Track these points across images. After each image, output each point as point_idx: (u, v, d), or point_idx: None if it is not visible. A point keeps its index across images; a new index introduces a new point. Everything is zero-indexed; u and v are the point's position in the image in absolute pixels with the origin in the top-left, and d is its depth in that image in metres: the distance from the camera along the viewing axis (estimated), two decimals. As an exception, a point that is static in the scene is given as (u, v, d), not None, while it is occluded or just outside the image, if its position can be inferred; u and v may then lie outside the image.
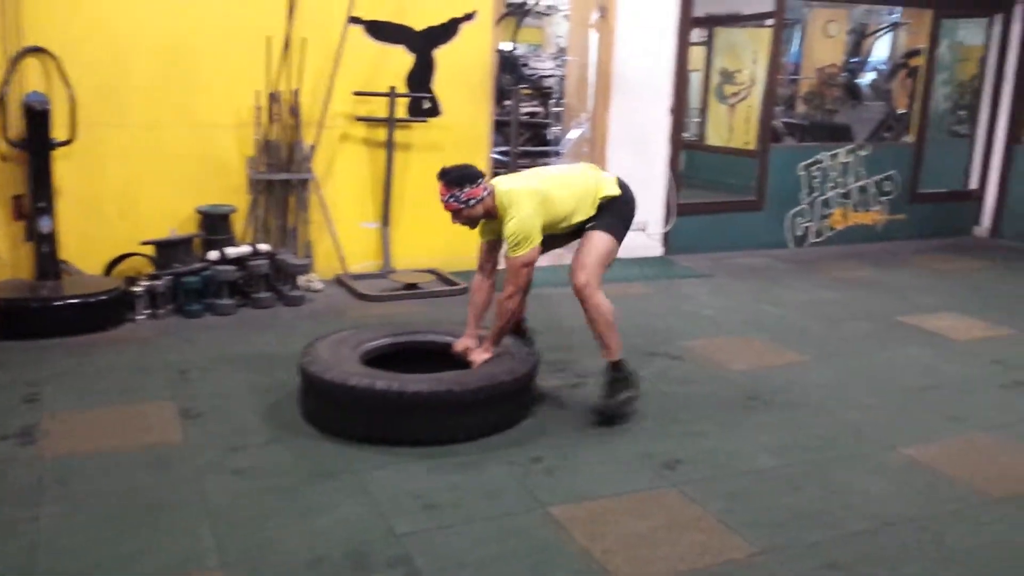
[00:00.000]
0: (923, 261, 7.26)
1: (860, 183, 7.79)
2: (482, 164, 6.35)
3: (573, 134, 7.10)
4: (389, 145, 6.01)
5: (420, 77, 6.05)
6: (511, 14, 11.56)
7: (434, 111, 6.14)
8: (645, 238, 7.00)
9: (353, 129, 6.01)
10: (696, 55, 10.61)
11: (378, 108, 5.98)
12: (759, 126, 7.66)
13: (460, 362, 3.86)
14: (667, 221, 7.04)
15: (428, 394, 3.44)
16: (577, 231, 3.91)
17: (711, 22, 10.40)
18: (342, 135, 5.99)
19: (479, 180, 3.70)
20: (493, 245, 3.95)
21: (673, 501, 3.17)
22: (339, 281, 6.00)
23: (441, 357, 3.95)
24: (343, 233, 6.05)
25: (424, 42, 6.02)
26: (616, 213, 3.90)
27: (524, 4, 11.02)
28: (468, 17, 6.05)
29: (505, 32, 12.08)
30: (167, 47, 5.42)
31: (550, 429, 3.75)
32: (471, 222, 3.79)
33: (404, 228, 6.23)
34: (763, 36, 8.52)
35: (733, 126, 10.20)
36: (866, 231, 7.88)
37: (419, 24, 5.98)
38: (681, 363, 4.66)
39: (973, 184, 8.34)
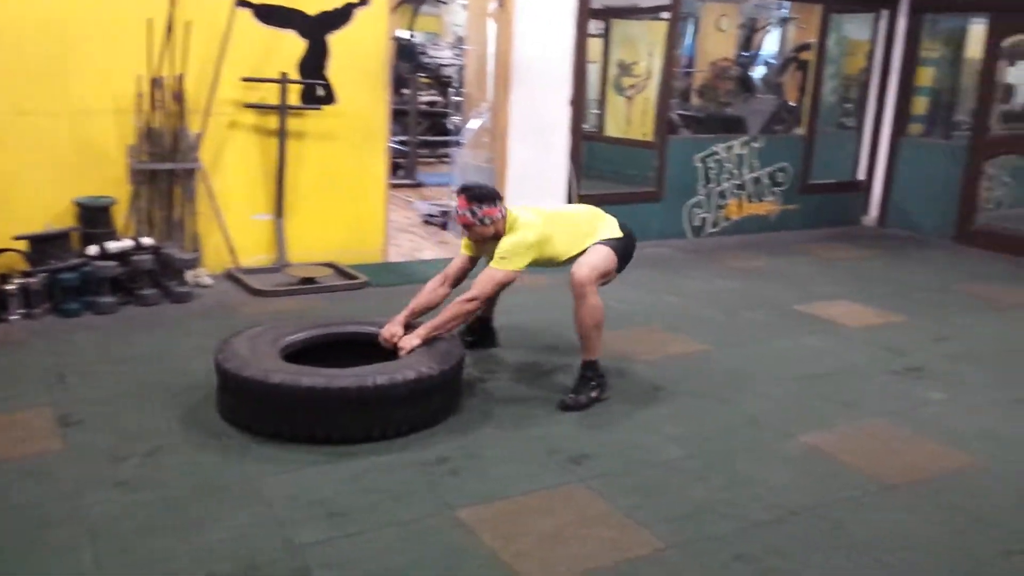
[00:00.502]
0: (815, 250, 7.45)
1: (754, 174, 7.95)
2: (380, 154, 6.19)
3: (473, 124, 7.00)
4: (281, 134, 5.77)
5: (313, 63, 5.83)
6: (408, 1, 11.39)
7: (328, 99, 5.93)
8: (547, 229, 6.96)
9: (243, 117, 5.74)
10: (594, 47, 10.67)
11: (269, 95, 5.74)
12: (656, 118, 7.71)
13: (382, 353, 3.78)
14: (568, 212, 7.01)
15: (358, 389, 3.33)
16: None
17: (608, 14, 10.46)
18: (231, 123, 5.72)
19: (497, 201, 3.88)
20: (471, 261, 4.09)
21: (581, 497, 3.12)
22: (230, 276, 5.74)
23: (363, 348, 3.85)
24: (234, 226, 5.78)
25: (317, 27, 5.80)
26: (616, 244, 4.07)
27: (420, -9, 10.86)
28: (363, 2, 5.86)
29: (402, 20, 11.89)
30: (39, 26, 5.05)
31: (455, 427, 3.65)
32: (480, 238, 3.94)
33: (299, 220, 6.01)
34: (659, 29, 8.60)
35: (631, 118, 10.29)
36: (761, 221, 8.05)
37: (312, 9, 5.76)
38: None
39: (861, 175, 8.62)
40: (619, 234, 4.11)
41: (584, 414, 3.84)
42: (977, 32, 8.55)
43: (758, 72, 11.87)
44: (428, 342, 3.75)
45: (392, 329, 3.84)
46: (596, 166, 9.59)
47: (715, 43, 12.97)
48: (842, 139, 9.00)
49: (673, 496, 3.16)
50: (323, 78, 5.88)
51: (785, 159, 8.09)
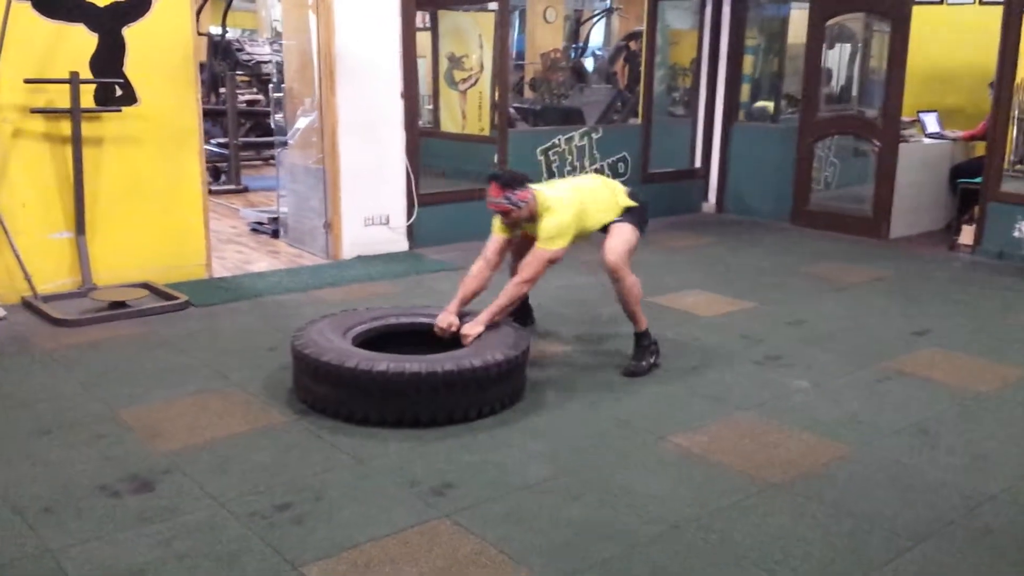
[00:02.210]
0: (660, 240, 7.38)
1: (596, 165, 7.82)
2: (194, 158, 5.57)
3: (302, 123, 6.48)
4: (76, 140, 5.07)
5: (108, 60, 5.16)
6: (220, -5, 10.62)
7: (129, 99, 5.27)
8: (389, 232, 6.56)
9: (29, 123, 5.02)
10: (423, 40, 10.31)
11: (59, 98, 5.04)
12: (495, 111, 7.43)
13: (437, 342, 3.86)
14: (410, 213, 6.62)
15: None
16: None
17: (434, 4, 10.11)
18: (15, 131, 4.99)
19: (527, 184, 3.97)
20: (506, 243, 4.15)
21: (448, 534, 2.75)
22: (26, 304, 5.01)
23: (415, 337, 3.97)
24: (28, 247, 5.05)
25: (109, 19, 5.13)
26: (636, 215, 4.21)
27: (233, -16, 10.13)
28: (163, -10, 5.25)
29: (214, 15, 11.09)
30: None
31: (292, 465, 3.19)
32: (516, 222, 4.03)
33: (105, 237, 5.33)
34: (487, 21, 8.35)
35: (466, 112, 10.00)
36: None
37: (102, -1, 5.10)
38: (438, 368, 4.25)
39: (698, 162, 8.67)
40: (633, 203, 4.23)
41: (442, 435, 3.48)
42: (796, 18, 8.80)
43: (590, 63, 11.87)
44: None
45: (448, 319, 3.93)
46: (434, 163, 9.22)
47: (543, 35, 12.90)
48: (676, 127, 9.05)
49: (548, 521, 2.85)
50: (121, 76, 5.21)
51: (625, 149, 8.01)
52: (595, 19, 13.39)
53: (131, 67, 5.26)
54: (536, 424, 3.62)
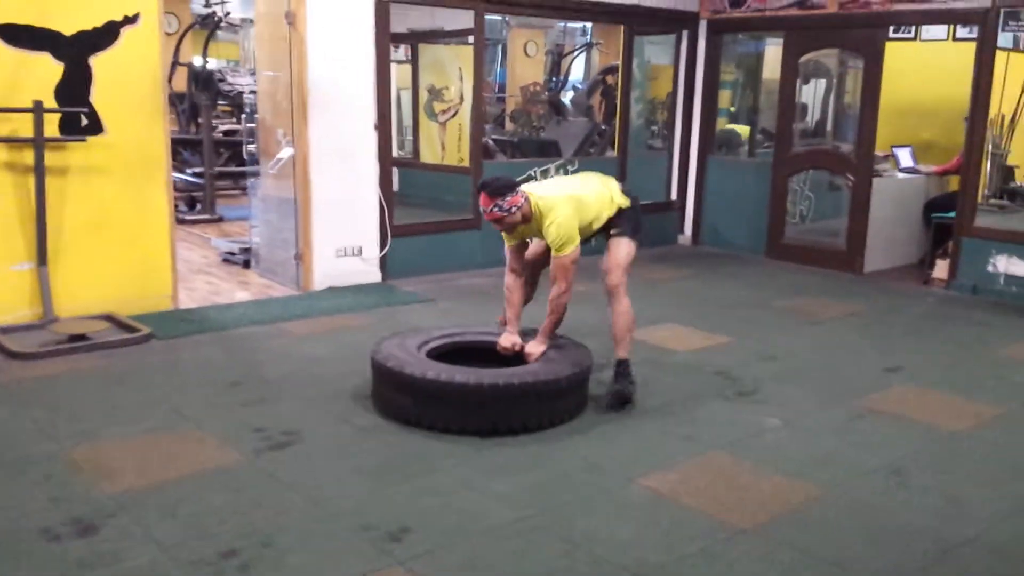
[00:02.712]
0: (635, 272, 7.18)
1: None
2: (161, 188, 5.48)
3: (285, 153, 6.33)
4: (39, 170, 4.97)
5: (73, 89, 5.07)
6: (201, 26, 10.58)
7: (95, 128, 5.18)
8: (361, 263, 6.46)
9: (-9, 152, 4.92)
10: (404, 72, 10.32)
11: (22, 126, 4.93)
12: (471, 143, 7.38)
13: (502, 358, 4.07)
14: (383, 244, 6.54)
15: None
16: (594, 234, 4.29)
17: (414, 38, 10.13)
18: (-24, 160, 4.89)
19: (516, 189, 3.99)
20: (520, 248, 4.25)
21: (402, 584, 2.65)
22: (-17, 338, 4.87)
23: (482, 355, 4.15)
24: (-15, 279, 4.93)
25: (76, 49, 5.04)
26: (632, 220, 4.28)
27: (213, 15, 10.09)
28: (130, 20, 5.16)
29: (196, 46, 11.04)
30: None
31: (243, 508, 3.07)
32: (511, 228, 4.07)
33: (68, 267, 5.21)
34: (467, 54, 8.33)
35: (445, 143, 9.97)
36: (581, 245, 7.86)
37: (68, 28, 5.00)
38: (404, 405, 4.15)
39: (673, 195, 8.65)
40: (627, 202, 4.27)
41: (404, 473, 3.37)
42: (771, 54, 8.85)
43: (568, 96, 11.89)
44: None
45: (512, 339, 4.13)
46: (413, 193, 9.20)
47: (524, 68, 12.95)
48: (653, 160, 9.04)
49: (506, 571, 2.75)
50: (87, 105, 5.12)
51: (601, 181, 7.96)
52: (576, 54, 13.47)
53: (98, 96, 5.17)
54: (501, 464, 3.51)
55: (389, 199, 6.52)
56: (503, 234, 4.18)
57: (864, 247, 7.37)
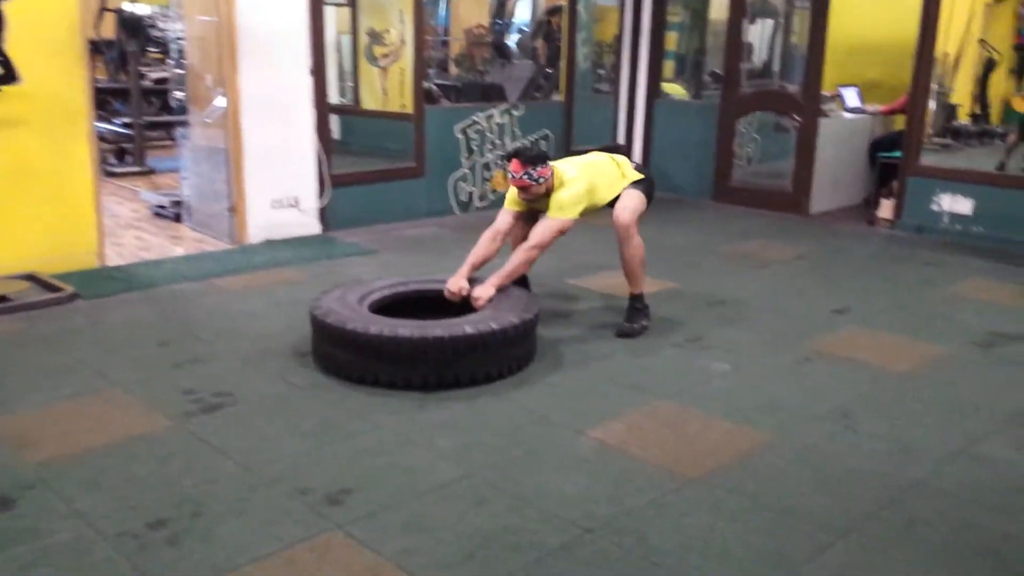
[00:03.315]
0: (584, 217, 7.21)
1: (517, 143, 7.60)
2: (83, 139, 5.18)
3: (220, 102, 6.03)
4: (-55, 121, 4.66)
5: (-19, 34, 4.74)
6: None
7: (9, 77, 4.84)
8: (299, 215, 6.24)
9: None
10: (343, 16, 9.94)
11: (-75, 74, 4.60)
12: (413, 88, 7.14)
13: (447, 308, 3.96)
14: (322, 194, 6.31)
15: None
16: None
17: (353, -22, 9.75)
18: None
19: (547, 161, 4.09)
20: (518, 215, 4.27)
21: (340, 549, 2.53)
22: None
23: (427, 304, 4.07)
24: None
25: (-19, -12, 4.70)
26: (643, 186, 4.40)
27: (140, -44, 9.57)
28: (41, -43, 4.83)
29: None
30: None
31: (172, 476, 2.92)
32: (533, 198, 4.14)
33: (-17, 226, 4.93)
34: (407, -6, 8.02)
35: (387, 89, 9.67)
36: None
37: (-29, -34, 4.66)
38: (345, 361, 4.00)
39: (621, 140, 8.51)
40: (640, 176, 4.40)
41: (345, 433, 3.25)
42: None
43: (512, 39, 11.61)
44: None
45: (459, 283, 4.04)
46: (356, 141, 8.92)
47: (468, 10, 12.58)
48: (600, 104, 8.87)
49: (452, 530, 2.64)
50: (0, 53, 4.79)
51: (547, 126, 7.81)
52: (520, -6, 13.12)
53: (12, 43, 4.83)
54: (447, 420, 3.40)
55: (327, 147, 6.29)
56: (508, 196, 4.28)
57: (810, 188, 7.34)
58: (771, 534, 2.67)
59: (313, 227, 6.32)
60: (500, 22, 12.43)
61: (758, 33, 9.59)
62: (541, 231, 4.10)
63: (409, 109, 7.21)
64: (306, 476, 2.95)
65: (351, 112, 9.60)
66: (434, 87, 9.56)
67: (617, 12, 8.56)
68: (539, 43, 10.63)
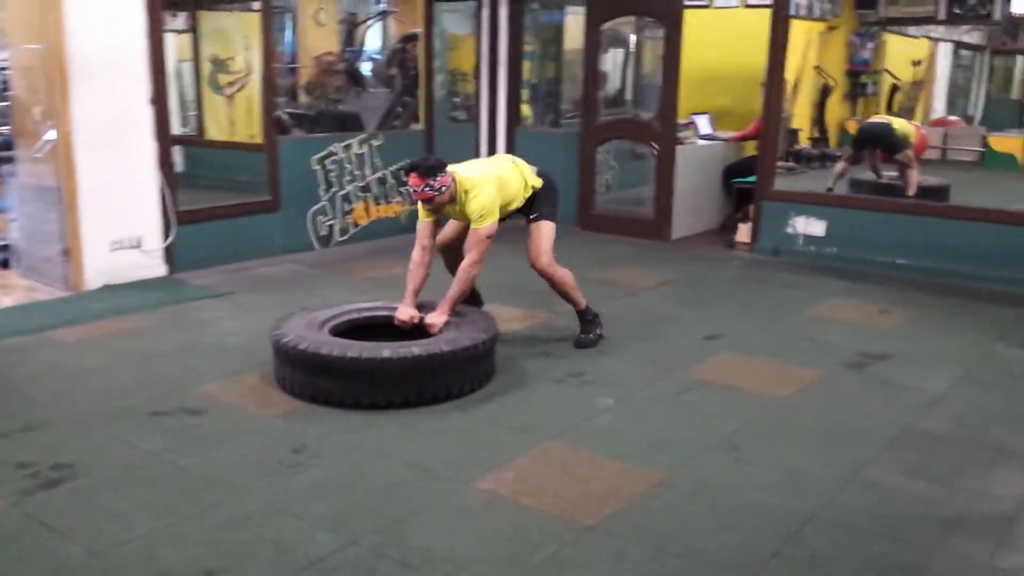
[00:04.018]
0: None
1: (378, 174, 7.35)
2: None
3: (51, 135, 5.46)
4: None
5: None
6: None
7: None
8: (141, 256, 5.75)
9: None
10: (184, 42, 9.42)
11: None
12: (263, 117, 6.77)
13: (401, 331, 4.05)
14: (167, 232, 5.85)
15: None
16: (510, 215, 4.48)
17: (193, 4, 9.26)
18: None
19: (445, 169, 4.11)
20: (434, 224, 4.30)
21: (208, 644, 2.21)
22: None
23: (379, 329, 4.10)
24: None
25: None
26: (547, 200, 4.50)
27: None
28: None
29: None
30: None
31: (5, 568, 2.51)
32: (439, 208, 4.20)
33: None
34: (253, 21, 7.66)
35: (234, 118, 9.21)
36: (391, 224, 7.48)
37: None
38: (203, 418, 3.64)
39: (482, 168, 8.40)
40: (540, 182, 4.47)
41: (203, 504, 2.91)
42: (571, 23, 8.77)
43: (366, 67, 11.36)
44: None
45: (409, 312, 4.13)
46: (201, 174, 8.39)
47: (316, 37, 12.20)
48: (460, 132, 8.75)
49: (336, 609, 2.38)
50: None
51: (408, 156, 7.51)
52: (370, 22, 12.90)
53: None
54: (321, 481, 3.11)
55: (171, 182, 5.84)
56: (420, 209, 4.28)
57: (671, 215, 7.44)
58: (677, 582, 2.54)
59: (158, 269, 5.84)
60: (351, 49, 12.17)
61: (610, 62, 9.76)
62: (473, 245, 4.19)
63: (259, 139, 6.84)
64: (163, 558, 2.61)
65: (195, 143, 9.08)
66: (285, 116, 9.19)
67: (470, 40, 8.49)
68: (394, 71, 10.44)
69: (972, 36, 15.84)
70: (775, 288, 5.97)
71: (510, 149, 8.31)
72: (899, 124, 7.96)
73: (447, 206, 4.22)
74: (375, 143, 7.31)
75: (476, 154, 8.39)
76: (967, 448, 3.45)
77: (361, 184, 7.22)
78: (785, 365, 4.40)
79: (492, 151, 8.36)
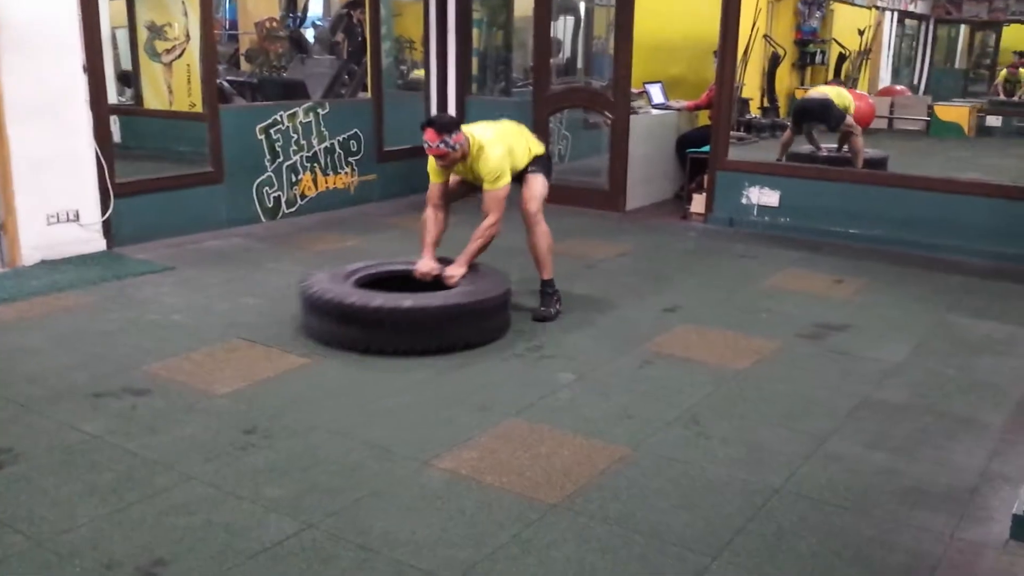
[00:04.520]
0: (403, 222, 6.89)
1: (325, 144, 7.15)
2: None
3: None
4: None
5: None
6: None
7: None
8: (80, 230, 5.52)
9: None
10: (118, 8, 9.04)
11: None
12: (203, 86, 6.53)
13: (420, 284, 4.23)
14: (105, 206, 5.61)
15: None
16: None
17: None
18: None
19: (460, 127, 4.27)
20: (446, 186, 4.48)
21: (159, 640, 2.11)
22: None
23: (399, 282, 4.27)
24: None
25: None
26: (544, 164, 4.67)
27: None
28: None
29: None
30: None
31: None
32: (452, 164, 4.32)
33: None
34: (191, -15, 7.36)
35: (173, 87, 8.89)
36: (340, 195, 7.31)
37: None
38: (149, 399, 3.49)
39: (432, 138, 8.24)
40: (541, 150, 4.65)
41: (147, 487, 2.78)
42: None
43: (310, 33, 11.07)
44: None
45: (429, 264, 4.33)
46: (140, 144, 8.08)
47: (256, 3, 11.88)
48: (408, 101, 8.57)
49: (293, 598, 2.29)
50: None
51: (356, 125, 7.40)
52: (313, -14, 12.54)
53: None
54: (274, 463, 3.00)
55: (108, 153, 5.59)
56: (431, 170, 4.43)
57: (625, 185, 7.39)
58: (644, 561, 2.50)
59: (97, 243, 5.60)
60: (293, 15, 11.83)
61: (561, 30, 9.63)
62: (491, 207, 4.35)
63: (199, 108, 6.59)
64: (109, 546, 2.48)
65: (133, 112, 8.74)
66: (226, 84, 8.90)
67: (416, 7, 8.29)
68: (340, 37, 10.18)
69: (916, 6, 16.03)
70: (731, 259, 5.96)
71: (460, 118, 8.15)
72: (837, 95, 7.75)
73: (459, 165, 4.35)
74: (321, 112, 7.10)
75: (426, 123, 8.22)
76: (926, 419, 3.47)
77: (308, 154, 7.02)
78: (743, 336, 4.38)
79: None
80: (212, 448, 3.09)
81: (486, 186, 4.35)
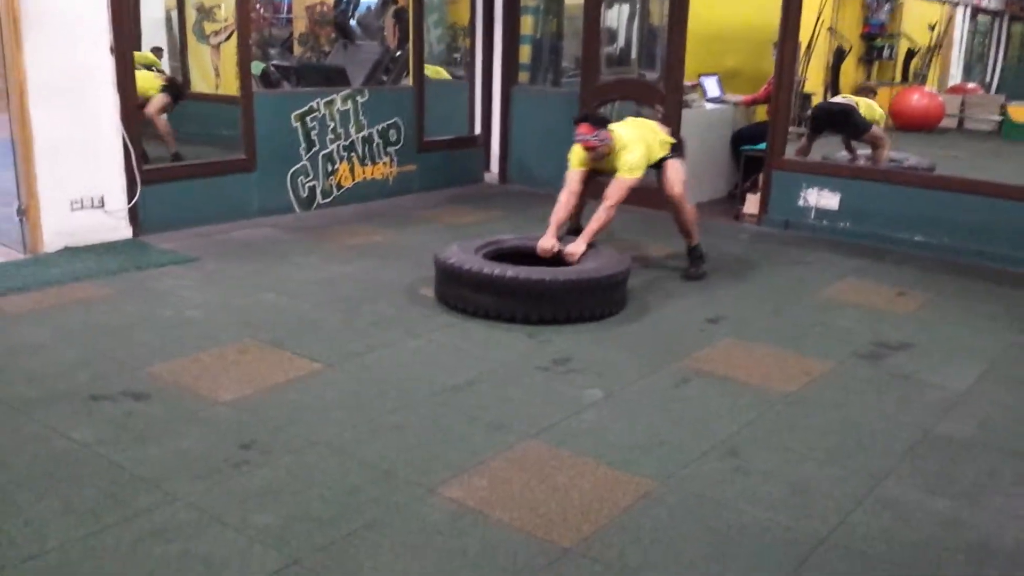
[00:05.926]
0: (439, 216, 6.65)
1: (363, 133, 6.92)
2: None
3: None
4: None
5: None
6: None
7: None
8: (105, 217, 5.38)
9: None
10: (169, -12, 8.96)
11: None
12: (239, 68, 6.33)
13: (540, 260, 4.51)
14: (132, 192, 5.46)
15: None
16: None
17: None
18: None
19: (608, 126, 4.75)
20: (585, 173, 4.88)
21: None
22: None
23: (521, 257, 4.53)
24: None
25: None
26: (679, 149, 5.12)
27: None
28: None
29: None
30: None
31: None
32: (598, 157, 4.76)
33: None
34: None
35: (221, 70, 8.76)
36: (378, 186, 7.08)
37: None
38: (146, 405, 3.29)
39: (477, 129, 7.97)
40: (672, 140, 5.11)
41: (135, 509, 2.56)
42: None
43: (356, 17, 10.89)
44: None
45: (550, 241, 4.57)
46: (184, 128, 7.99)
47: (313, -13, 11.73)
48: (454, 91, 8.30)
49: (264, 650, 2.03)
50: None
51: (396, 114, 7.16)
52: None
53: None
54: (266, 486, 2.76)
55: (135, 137, 5.43)
56: (574, 157, 4.86)
57: (676, 182, 6.99)
58: (664, 623, 2.19)
59: (123, 231, 5.46)
60: (346, 0, 11.66)
61: (615, 18, 9.26)
62: (616, 190, 4.70)
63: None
64: (75, 560, 2.26)
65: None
66: (272, 69, 8.75)
67: (472, -7, 8.00)
68: (386, 23, 9.95)
69: (990, 1, 15.29)
70: (784, 266, 5.58)
71: (506, 109, 7.87)
72: (866, 106, 7.03)
73: (602, 159, 4.76)
74: (360, 99, 6.87)
75: (471, 113, 7.96)
76: (994, 458, 3.09)
77: (345, 143, 6.79)
78: (793, 354, 4.02)
79: (487, 112, 7.93)
80: (204, 464, 2.86)
81: (620, 173, 4.72)
